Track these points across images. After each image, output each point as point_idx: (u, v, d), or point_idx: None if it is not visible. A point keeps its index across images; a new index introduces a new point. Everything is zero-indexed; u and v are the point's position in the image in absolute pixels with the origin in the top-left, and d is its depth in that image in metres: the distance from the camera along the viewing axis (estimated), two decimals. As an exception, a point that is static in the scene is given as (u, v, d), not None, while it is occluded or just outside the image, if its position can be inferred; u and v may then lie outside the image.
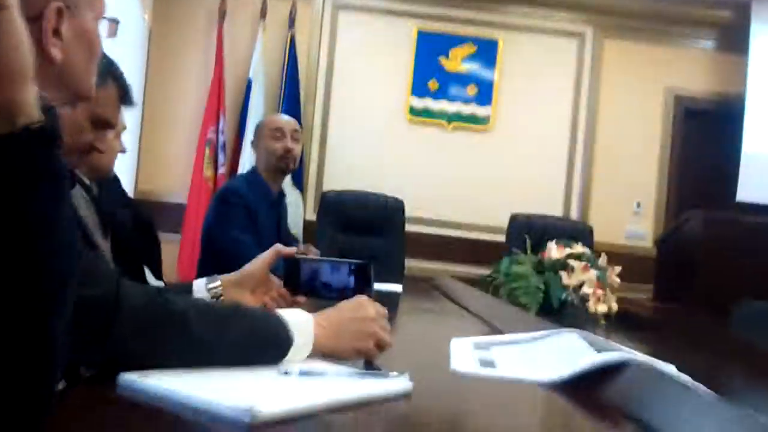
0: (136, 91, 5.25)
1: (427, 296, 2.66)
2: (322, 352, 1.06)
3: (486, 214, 5.05)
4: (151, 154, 5.08)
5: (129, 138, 4.65)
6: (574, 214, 5.19)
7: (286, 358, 1.01)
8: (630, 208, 5.26)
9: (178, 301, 0.95)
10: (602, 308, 2.16)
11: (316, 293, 1.35)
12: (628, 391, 1.02)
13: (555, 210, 5.05)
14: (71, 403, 0.78)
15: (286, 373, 0.95)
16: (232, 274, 1.36)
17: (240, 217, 2.75)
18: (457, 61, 5.24)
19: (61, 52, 0.98)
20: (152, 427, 0.77)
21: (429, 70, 5.23)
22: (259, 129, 3.01)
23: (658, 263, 4.11)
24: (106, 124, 1.69)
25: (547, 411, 0.99)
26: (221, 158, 4.96)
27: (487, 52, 5.25)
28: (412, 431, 0.84)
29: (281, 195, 3.03)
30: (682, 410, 0.88)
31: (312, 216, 4.79)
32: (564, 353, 1.22)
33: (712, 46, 5.39)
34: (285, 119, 3.05)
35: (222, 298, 1.34)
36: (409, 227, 4.42)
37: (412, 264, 4.34)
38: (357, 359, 1.08)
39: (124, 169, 4.46)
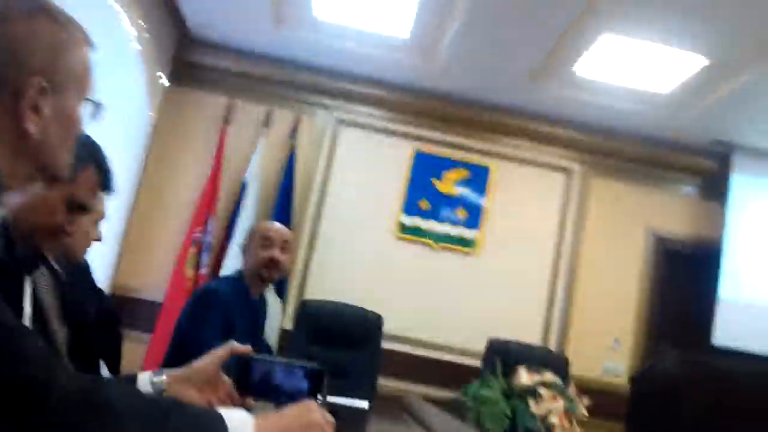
0: (132, 182, 5.31)
1: (393, 416, 2.59)
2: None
3: (464, 337, 5.01)
4: (133, 247, 5.06)
5: (114, 228, 4.70)
6: (552, 345, 5.15)
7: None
8: (608, 343, 5.23)
9: (112, 391, 0.91)
10: (567, 440, 2.11)
11: (266, 396, 1.30)
12: None
13: (534, 339, 5.02)
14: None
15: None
16: (181, 368, 1.31)
17: (216, 320, 2.67)
18: (449, 184, 5.36)
19: (38, 128, 1.00)
20: None
21: (422, 190, 5.35)
22: (250, 234, 3.00)
23: (632, 400, 4.05)
24: (80, 208, 1.68)
25: None
26: (205, 259, 4.94)
27: (478, 177, 5.39)
28: None
29: (262, 301, 2.99)
30: None
31: (290, 325, 4.73)
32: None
33: (694, 192, 5.57)
34: (276, 228, 3.02)
35: (164, 393, 1.27)
36: (386, 344, 4.36)
37: (384, 382, 4.25)
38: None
39: (103, 259, 4.43)
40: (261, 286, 2.91)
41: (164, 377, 1.29)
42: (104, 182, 1.72)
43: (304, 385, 1.30)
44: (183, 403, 1.03)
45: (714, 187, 5.40)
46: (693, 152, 5.44)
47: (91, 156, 1.69)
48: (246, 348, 1.33)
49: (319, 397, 1.27)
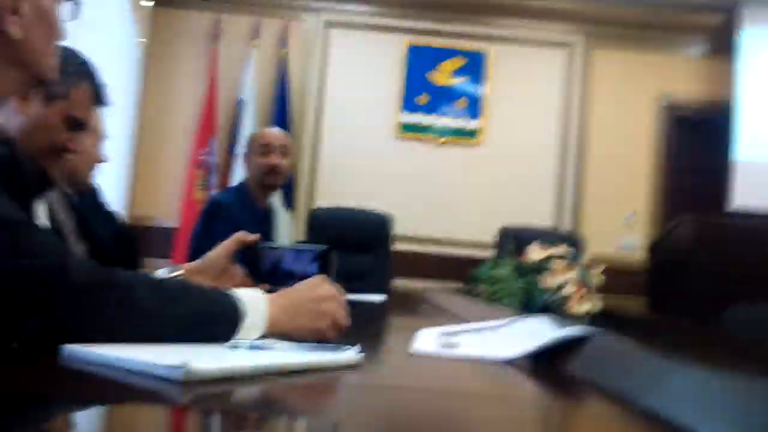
0: (131, 113, 5.31)
1: (407, 303, 2.64)
2: (276, 331, 1.04)
3: (476, 229, 5.03)
4: (144, 179, 5.09)
5: (121, 161, 4.72)
6: (566, 226, 5.17)
7: (237, 336, 0.99)
8: (622, 219, 5.24)
9: (124, 274, 0.94)
10: (584, 307, 2.13)
11: (278, 282, 1.33)
12: (592, 361, 1.00)
13: (546, 222, 5.04)
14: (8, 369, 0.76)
15: (234, 347, 0.93)
16: (194, 262, 1.35)
17: (224, 229, 2.72)
18: (446, 75, 5.27)
19: (20, 30, 0.99)
20: (87, 389, 0.76)
21: (419, 85, 5.26)
22: (249, 143, 3.00)
23: (650, 269, 4.09)
24: (79, 124, 1.68)
25: (504, 384, 0.97)
26: (213, 180, 4.97)
27: (476, 65, 5.28)
28: (348, 396, 0.82)
29: (269, 211, 3.00)
30: (649, 374, 0.86)
31: (302, 237, 4.77)
32: (529, 333, 1.20)
33: (702, 52, 5.40)
34: (274, 134, 3.02)
35: None
36: (398, 245, 4.40)
37: (398, 283, 4.31)
38: (313, 339, 1.06)
39: (116, 195, 4.48)
40: (266, 194, 2.92)
41: (180, 270, 1.32)
42: (98, 96, 1.71)
43: (314, 266, 1.33)
44: (193, 282, 1.06)
45: (722, 44, 5.19)
46: (697, 8, 5.23)
47: (84, 72, 1.68)
48: (254, 237, 1.37)
49: (330, 276, 1.29)
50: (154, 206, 5.08)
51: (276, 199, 4.76)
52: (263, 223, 2.94)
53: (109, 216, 2.50)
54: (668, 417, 0.70)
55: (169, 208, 5.00)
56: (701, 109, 5.28)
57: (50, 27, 1.05)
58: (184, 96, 5.17)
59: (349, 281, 3.54)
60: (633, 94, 5.31)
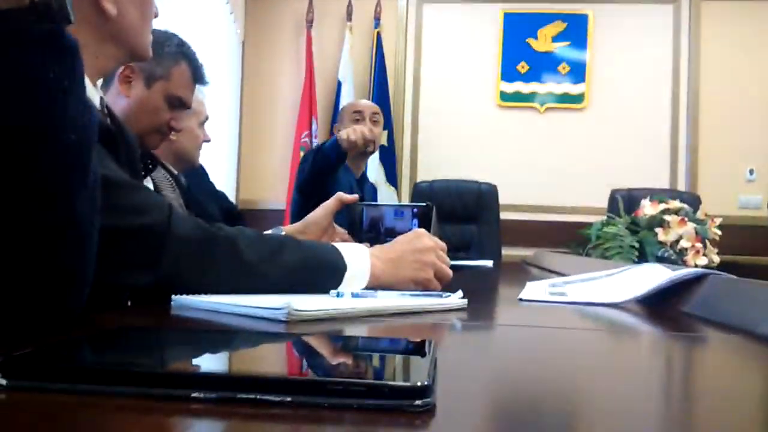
0: (235, 101, 5.49)
1: (515, 268, 2.59)
2: (379, 284, 1.04)
3: (586, 195, 4.87)
4: (250, 165, 5.25)
5: (228, 150, 4.90)
6: (682, 188, 4.92)
7: (341, 286, 1.00)
8: (742, 175, 4.92)
9: (229, 229, 0.97)
10: (702, 261, 2.03)
11: (380, 239, 1.34)
12: (706, 300, 0.94)
13: (661, 184, 4.81)
14: (127, 322, 0.80)
15: (338, 295, 0.94)
16: (296, 223, 1.38)
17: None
18: (546, 41, 5.11)
19: (115, 7, 1.03)
20: (195, 337, 0.78)
21: (518, 53, 5.13)
22: (340, 113, 3.08)
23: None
24: (181, 103, 1.75)
25: (615, 322, 0.93)
26: (317, 160, 5.06)
27: (576, 28, 5.09)
28: (451, 337, 0.80)
29: (363, 178, 3.04)
30: (765, 304, 0.80)
31: (408, 211, 4.78)
32: (640, 279, 1.14)
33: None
34: (364, 103, 3.12)
35: None
36: (505, 214, 4.33)
37: (508, 252, 4.25)
38: (416, 290, 1.05)
39: (224, 181, 4.65)
40: (361, 161, 2.96)
41: (283, 233, 1.34)
42: (197, 75, 1.78)
43: (414, 224, 1.33)
44: (296, 237, 1.07)
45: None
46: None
47: (181, 52, 1.75)
48: (353, 197, 1.38)
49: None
50: (260, 190, 5.24)
51: (380, 175, 4.83)
52: (359, 189, 2.96)
53: (217, 195, 2.60)
54: None
55: (276, 191, 5.15)
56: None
57: (144, 4, 1.08)
58: (283, 81, 5.28)
59: (457, 251, 3.52)
60: (746, 45, 4.95)
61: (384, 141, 4.99)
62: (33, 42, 0.60)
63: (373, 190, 3.23)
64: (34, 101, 0.61)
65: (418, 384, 0.38)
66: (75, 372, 0.40)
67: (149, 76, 1.68)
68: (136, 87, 1.67)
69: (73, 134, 0.63)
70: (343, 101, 5.06)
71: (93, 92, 1.04)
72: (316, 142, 5.07)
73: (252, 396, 0.37)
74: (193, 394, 0.38)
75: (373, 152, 3.04)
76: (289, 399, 0.37)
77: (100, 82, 1.06)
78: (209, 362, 0.48)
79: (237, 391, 0.38)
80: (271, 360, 0.52)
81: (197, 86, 1.82)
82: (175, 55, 1.71)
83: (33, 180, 0.61)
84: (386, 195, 4.77)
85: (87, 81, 1.01)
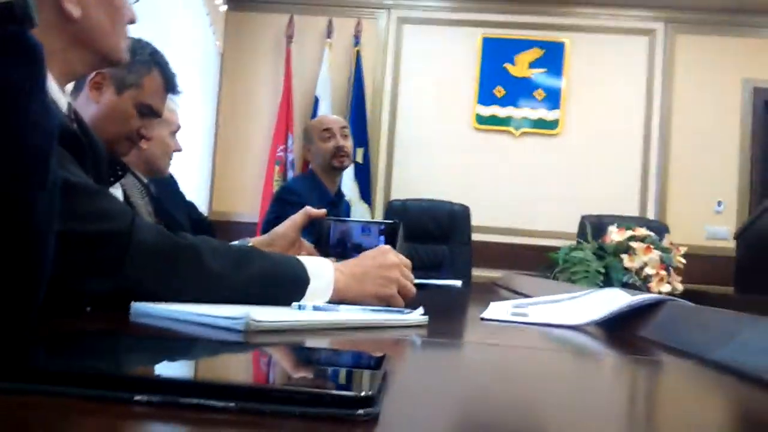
0: (211, 112, 5.47)
1: (483, 288, 2.61)
2: (342, 298, 1.04)
3: (557, 220, 4.92)
4: (224, 177, 5.23)
5: (202, 162, 4.89)
6: (651, 217, 4.99)
7: (303, 299, 0.99)
8: (710, 206, 5.01)
9: (192, 238, 0.96)
10: (665, 288, 2.06)
11: (346, 254, 1.34)
12: (663, 325, 0.96)
13: (631, 212, 4.87)
14: (84, 327, 0.79)
15: (300, 307, 0.94)
16: (263, 236, 1.37)
17: (289, 215, 2.79)
18: (523, 67, 5.18)
19: (79, 9, 1.02)
20: (150, 343, 0.78)
21: (495, 77, 5.20)
22: (308, 132, 3.05)
23: (737, 257, 3.91)
24: (152, 111, 1.74)
25: (573, 343, 0.94)
26: (291, 175, 5.06)
27: (553, 55, 5.17)
28: (408, 352, 0.81)
29: (339, 195, 3.05)
30: (720, 330, 0.81)
31: (380, 228, 4.78)
32: (601, 303, 1.16)
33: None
34: (332, 118, 3.13)
35: None
36: (477, 236, 4.36)
37: (479, 273, 4.27)
38: (379, 305, 1.05)
39: (198, 192, 4.63)
40: (335, 177, 2.97)
41: (250, 244, 1.34)
42: (169, 84, 1.77)
43: (381, 240, 1.33)
44: (259, 249, 1.07)
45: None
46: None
47: (154, 61, 1.74)
48: (321, 212, 1.38)
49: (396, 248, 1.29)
50: (233, 202, 5.22)
51: (353, 192, 4.84)
52: (334, 207, 2.96)
53: (186, 204, 2.58)
54: (739, 368, 0.67)
55: (249, 204, 5.13)
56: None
57: (112, 6, 1.06)
58: (261, 95, 5.29)
59: (428, 271, 3.53)
60: (718, 80, 5.08)
61: (359, 158, 5.01)
62: None
63: (347, 207, 3.24)
64: None
65: (362, 394, 0.38)
66: (23, 373, 0.40)
67: (120, 83, 1.67)
68: (106, 93, 1.66)
69: (34, 138, 0.63)
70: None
71: (60, 97, 1.03)
72: (291, 156, 5.07)
73: (196, 401, 0.37)
74: (137, 397, 0.38)
75: (347, 166, 3.05)
76: (232, 405, 0.37)
77: (69, 87, 1.05)
78: (159, 367, 0.48)
79: (180, 396, 0.38)
80: (221, 368, 0.52)
81: (170, 96, 1.82)
82: (147, 64, 1.70)
83: None
84: (360, 212, 4.77)
85: (54, 85, 1.00)
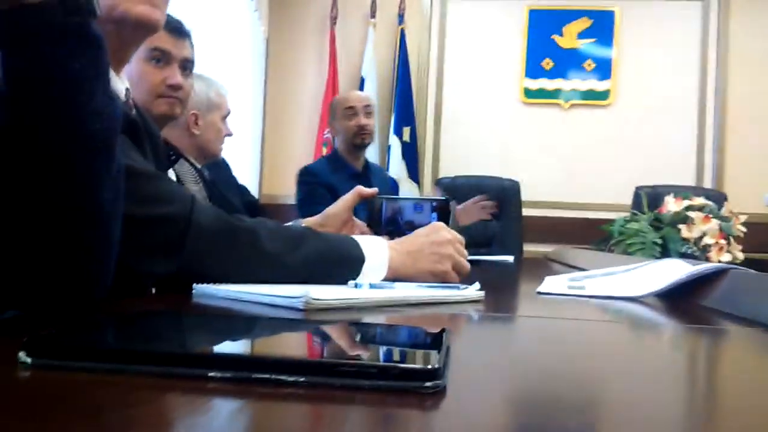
0: (259, 97, 5.48)
1: (536, 262, 2.59)
2: (397, 275, 1.04)
3: (611, 192, 4.82)
4: (273, 160, 5.28)
5: (251, 145, 4.94)
6: (707, 184, 4.86)
7: (359, 277, 1.00)
8: (768, 174, 4.85)
9: (249, 220, 0.98)
10: (725, 258, 2.01)
11: (399, 232, 1.34)
12: (726, 294, 0.94)
13: (686, 182, 4.75)
14: (150, 307, 0.81)
15: (356, 285, 0.95)
16: (316, 216, 1.38)
17: (317, 195, 2.85)
18: (571, 38, 5.07)
19: None
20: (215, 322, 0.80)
21: (542, 49, 5.10)
22: (332, 109, 3.05)
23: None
24: (164, 54, 1.71)
25: (634, 315, 0.93)
26: (339, 156, 5.09)
27: (602, 24, 5.04)
28: (467, 327, 0.81)
29: (366, 169, 3.03)
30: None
31: (430, 207, 4.77)
32: (661, 274, 1.14)
33: None
34: (356, 96, 3.10)
35: None
36: (527, 211, 4.31)
37: (530, 248, 4.23)
38: (434, 282, 1.05)
39: (248, 175, 4.69)
40: (359, 154, 2.98)
41: (302, 224, 1.35)
42: (169, 24, 1.71)
43: (433, 217, 1.33)
44: (315, 229, 1.08)
45: None
46: None
47: None
48: (373, 191, 1.39)
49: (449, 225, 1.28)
50: (283, 185, 5.26)
51: (402, 171, 4.84)
52: (361, 181, 2.94)
53: (239, 188, 2.62)
54: None
55: (300, 186, 5.17)
56: None
57: None
58: (307, 77, 5.31)
59: (479, 247, 3.52)
60: (776, 42, 4.87)
61: (407, 137, 5.00)
62: (61, 35, 0.62)
63: (394, 183, 3.23)
64: (61, 92, 0.62)
65: (429, 367, 0.39)
66: (96, 352, 0.41)
67: None
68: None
69: (99, 124, 0.65)
70: (367, 97, 5.08)
71: (118, 83, 1.05)
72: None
73: (267, 376, 0.38)
74: (210, 374, 0.39)
75: (369, 144, 3.01)
76: (302, 379, 0.38)
77: (124, 72, 1.07)
78: (226, 345, 0.49)
79: (252, 372, 0.39)
80: (286, 344, 0.53)
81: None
82: None
83: (60, 168, 0.63)
84: (409, 191, 4.77)
85: (112, 72, 1.02)
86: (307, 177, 2.95)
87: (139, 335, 0.50)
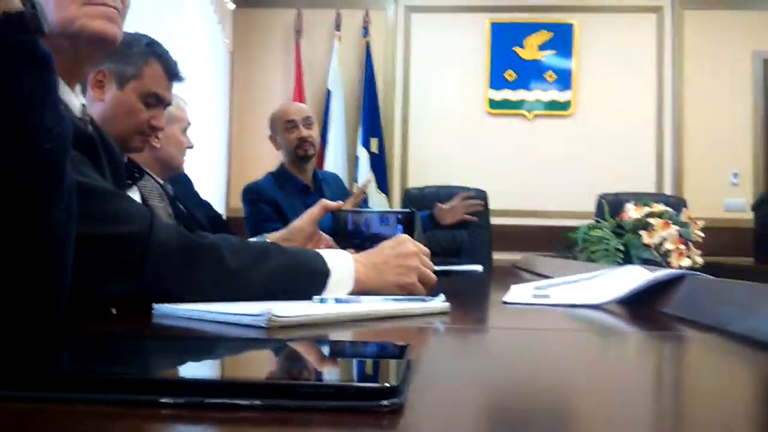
0: (224, 111, 5.45)
1: (504, 272, 2.60)
2: (363, 289, 1.04)
3: (574, 200, 4.89)
4: (239, 174, 5.23)
5: (217, 160, 4.90)
6: (667, 191, 4.96)
7: (325, 292, 0.99)
8: (726, 179, 4.97)
9: (211, 236, 0.97)
10: (685, 263, 2.04)
11: (364, 245, 1.34)
12: (684, 300, 0.95)
13: (647, 189, 4.84)
14: (107, 330, 0.80)
15: (321, 301, 0.94)
16: (281, 230, 1.37)
17: (262, 212, 2.86)
18: (533, 50, 5.14)
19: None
20: (173, 344, 0.79)
21: (505, 61, 5.16)
22: (272, 124, 2.99)
23: (756, 229, 3.87)
24: (158, 99, 1.72)
25: (597, 322, 0.94)
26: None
27: (562, 37, 5.13)
28: (432, 340, 0.80)
29: (316, 181, 3.00)
30: (741, 303, 0.81)
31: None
32: (622, 280, 1.15)
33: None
34: (294, 108, 3.07)
35: None
36: (495, 220, 4.33)
37: (499, 256, 4.26)
38: (400, 294, 1.05)
39: (214, 190, 4.65)
40: (304, 167, 2.94)
41: (267, 239, 1.34)
42: (170, 72, 1.75)
43: (399, 229, 1.33)
44: (279, 244, 1.07)
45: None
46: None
47: (150, 50, 1.72)
48: (338, 204, 1.38)
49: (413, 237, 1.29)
50: (250, 200, 5.23)
51: (371, 186, 4.83)
52: (310, 194, 2.90)
53: (202, 203, 2.59)
54: (762, 339, 0.68)
55: (266, 201, 5.14)
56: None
57: None
58: (273, 91, 5.28)
59: (447, 257, 3.51)
60: (728, 54, 5.01)
61: (375, 149, 5.00)
62: (7, 53, 0.60)
63: (366, 201, 3.21)
64: (9, 112, 0.61)
65: (386, 385, 0.38)
66: (47, 380, 0.40)
67: (121, 77, 1.66)
68: (109, 90, 1.66)
69: (48, 144, 0.63)
70: (333, 111, 5.07)
71: (73, 99, 1.03)
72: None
73: (222, 401, 0.38)
74: (162, 400, 0.38)
75: (313, 155, 2.97)
76: (258, 402, 0.38)
77: (78, 88, 1.05)
78: (182, 369, 0.49)
79: (206, 396, 0.38)
80: (244, 365, 0.52)
81: (179, 95, 1.81)
82: (144, 54, 1.69)
83: (8, 190, 0.62)
84: (377, 202, 4.77)
85: (66, 88, 1.00)
86: (250, 195, 2.93)
87: (94, 361, 0.49)
